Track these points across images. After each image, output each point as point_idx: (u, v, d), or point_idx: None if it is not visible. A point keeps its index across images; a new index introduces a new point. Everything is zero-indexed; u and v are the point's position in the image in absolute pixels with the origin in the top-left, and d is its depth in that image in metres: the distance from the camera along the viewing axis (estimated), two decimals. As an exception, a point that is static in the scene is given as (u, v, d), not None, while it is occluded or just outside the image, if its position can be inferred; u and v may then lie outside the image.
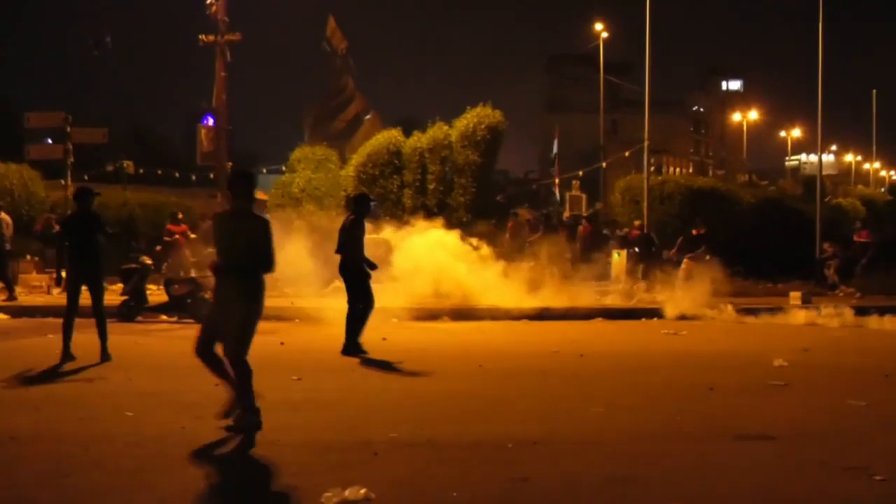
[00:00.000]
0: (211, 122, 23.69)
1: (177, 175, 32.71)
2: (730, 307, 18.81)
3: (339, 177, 25.89)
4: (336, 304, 18.85)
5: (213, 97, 23.55)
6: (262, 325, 15.55)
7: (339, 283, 20.62)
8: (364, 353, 12.91)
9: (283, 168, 28.07)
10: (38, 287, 21.25)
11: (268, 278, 10.09)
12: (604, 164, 45.39)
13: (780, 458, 7.27)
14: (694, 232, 21.55)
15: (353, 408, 9.16)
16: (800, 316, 18.37)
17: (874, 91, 51.04)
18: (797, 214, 26.48)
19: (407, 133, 26.05)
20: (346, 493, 6.20)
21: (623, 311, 19.29)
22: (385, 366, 12.13)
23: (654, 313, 18.99)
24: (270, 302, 18.35)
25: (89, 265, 11.87)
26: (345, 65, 40.46)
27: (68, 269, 11.93)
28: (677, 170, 73.27)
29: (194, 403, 9.12)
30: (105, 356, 11.89)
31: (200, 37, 23.17)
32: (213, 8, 23.19)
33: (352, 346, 13.04)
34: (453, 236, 20.39)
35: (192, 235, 22.78)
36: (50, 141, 24.72)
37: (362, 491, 6.21)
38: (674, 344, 15.03)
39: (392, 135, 25.68)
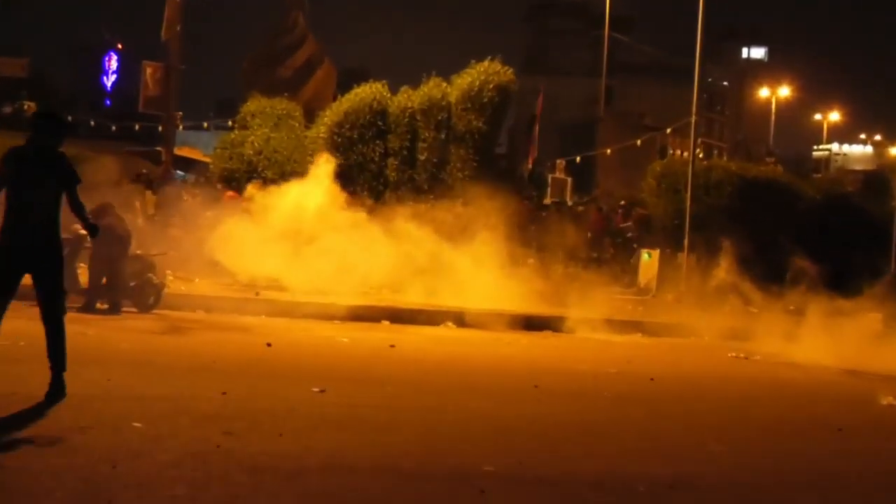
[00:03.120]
0: (114, 59, 23.42)
1: (92, 124, 32.17)
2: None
3: (303, 138, 25.67)
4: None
5: (162, 28, 23.24)
6: (230, 322, 15.80)
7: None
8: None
9: (231, 123, 27.77)
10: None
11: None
12: (608, 151, 45.63)
13: None
14: None
15: (415, 430, 9.12)
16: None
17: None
18: (865, 215, 26.80)
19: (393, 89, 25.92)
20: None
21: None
22: (417, 379, 12.13)
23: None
24: (229, 293, 18.64)
25: None
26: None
27: None
28: (685, 154, 74.06)
29: (213, 414, 9.03)
30: None
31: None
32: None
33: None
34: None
35: None
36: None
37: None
38: (749, 370, 15.22)
39: (376, 90, 25.47)
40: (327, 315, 17.97)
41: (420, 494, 7.08)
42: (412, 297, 19.84)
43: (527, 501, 7.08)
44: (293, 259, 19.45)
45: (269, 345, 13.97)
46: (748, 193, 25.42)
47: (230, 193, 22.53)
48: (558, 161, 47.90)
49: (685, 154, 74.61)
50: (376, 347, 14.87)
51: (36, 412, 8.70)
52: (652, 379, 13.27)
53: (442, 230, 20.70)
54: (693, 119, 26.11)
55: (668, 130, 44.52)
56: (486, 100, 24.83)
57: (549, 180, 44.14)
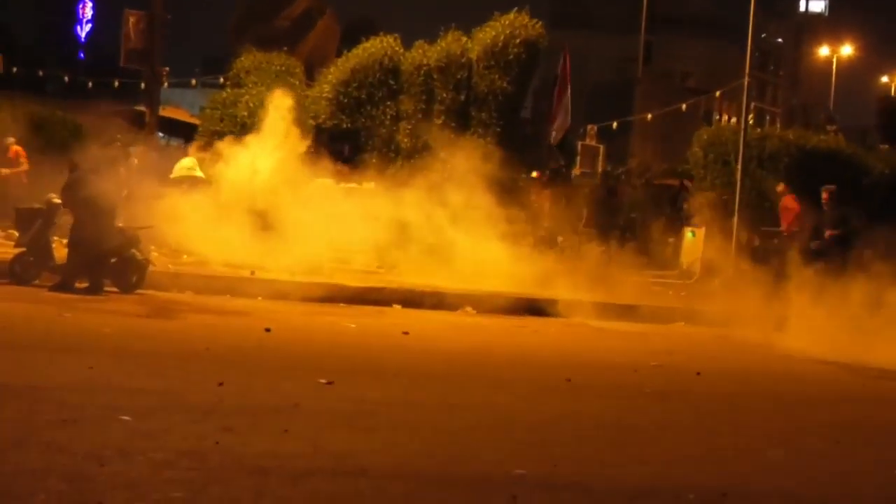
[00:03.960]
0: (89, 5, 23.46)
1: (66, 79, 32.22)
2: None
3: (304, 98, 25.70)
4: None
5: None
6: (223, 304, 16.04)
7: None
8: None
9: (223, 80, 27.80)
10: None
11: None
12: (649, 116, 45.44)
13: None
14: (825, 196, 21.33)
15: (435, 428, 9.19)
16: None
17: None
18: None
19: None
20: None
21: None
22: (435, 371, 12.22)
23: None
24: (220, 271, 18.74)
25: None
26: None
27: None
28: (732, 119, 73.91)
29: (209, 408, 9.09)
30: None
31: None
32: None
33: None
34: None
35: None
36: None
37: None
38: (804, 368, 15.22)
39: (387, 44, 25.51)
40: (331, 297, 18.12)
41: (443, 501, 7.13)
42: (422, 279, 19.93)
43: (564, 510, 7.13)
44: (256, 236, 19.57)
45: (267, 330, 14.06)
46: (807, 167, 25.43)
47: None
48: (589, 127, 47.80)
49: (732, 120, 74.57)
50: (388, 334, 14.99)
51: (11, 404, 8.76)
52: (698, 373, 13.34)
53: (452, 202, 20.84)
54: (746, 80, 26.08)
55: (718, 93, 44.22)
56: (511, 57, 24.87)
57: (579, 148, 44.10)
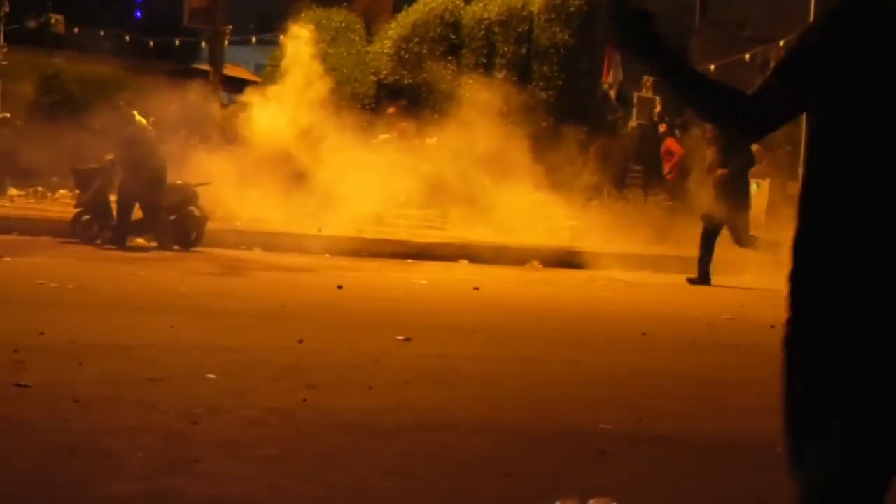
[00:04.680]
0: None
1: (127, 39, 32.37)
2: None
3: (364, 54, 25.74)
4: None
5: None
6: (292, 261, 16.30)
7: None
8: None
9: (283, 37, 27.78)
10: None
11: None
12: (712, 67, 44.66)
13: None
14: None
15: (515, 383, 9.26)
16: None
17: None
18: None
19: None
20: (590, 504, 6.22)
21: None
22: (509, 326, 12.27)
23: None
24: (286, 228, 18.84)
25: None
26: None
27: None
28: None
29: (292, 366, 9.19)
30: None
31: None
32: None
33: None
34: None
35: None
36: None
37: (612, 504, 6.24)
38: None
39: (449, -2, 25.55)
40: (397, 253, 18.26)
41: (533, 455, 7.16)
42: (486, 234, 20.01)
43: (655, 464, 7.13)
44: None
45: (340, 287, 14.17)
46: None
47: None
48: (645, 78, 47.15)
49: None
50: (459, 290, 15.09)
51: (99, 364, 8.89)
52: (772, 326, 13.16)
53: (513, 157, 20.87)
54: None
55: (782, 43, 43.53)
56: (572, 9, 24.80)
57: (635, 100, 43.67)
